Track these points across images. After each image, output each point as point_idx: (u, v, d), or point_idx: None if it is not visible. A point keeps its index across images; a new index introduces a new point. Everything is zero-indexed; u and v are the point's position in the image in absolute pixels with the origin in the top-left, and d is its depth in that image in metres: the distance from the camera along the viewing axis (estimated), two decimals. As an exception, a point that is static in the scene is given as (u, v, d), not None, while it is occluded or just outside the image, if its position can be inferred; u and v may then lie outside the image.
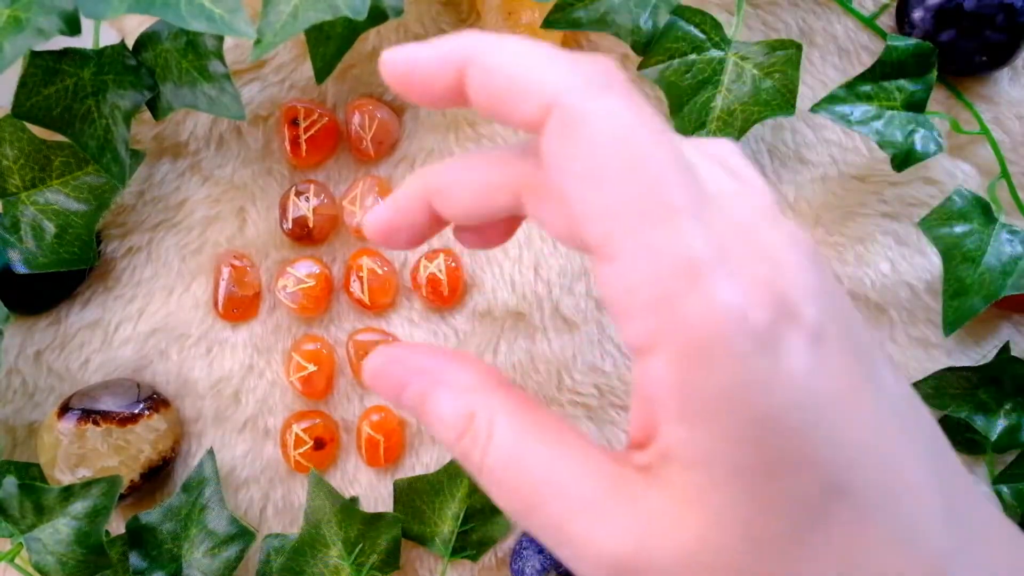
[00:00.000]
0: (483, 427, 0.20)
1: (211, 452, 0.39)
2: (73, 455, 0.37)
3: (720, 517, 0.17)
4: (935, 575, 0.18)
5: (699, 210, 0.18)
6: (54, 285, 0.40)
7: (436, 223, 0.24)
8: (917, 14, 0.40)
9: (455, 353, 0.23)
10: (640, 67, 0.38)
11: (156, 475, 0.39)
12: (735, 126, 0.38)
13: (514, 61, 0.19)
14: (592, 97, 0.18)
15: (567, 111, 0.18)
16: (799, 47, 0.37)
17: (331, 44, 0.37)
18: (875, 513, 0.18)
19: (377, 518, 0.39)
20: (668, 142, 0.18)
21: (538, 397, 0.22)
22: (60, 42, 0.33)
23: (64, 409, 0.38)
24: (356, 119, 0.41)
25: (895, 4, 0.42)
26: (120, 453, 0.38)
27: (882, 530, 0.18)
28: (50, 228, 0.38)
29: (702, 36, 0.38)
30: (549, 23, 0.37)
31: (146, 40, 0.37)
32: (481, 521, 0.40)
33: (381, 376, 0.23)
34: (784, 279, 0.18)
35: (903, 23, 0.41)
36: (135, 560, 0.38)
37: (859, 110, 0.38)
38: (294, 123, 0.40)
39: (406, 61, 0.21)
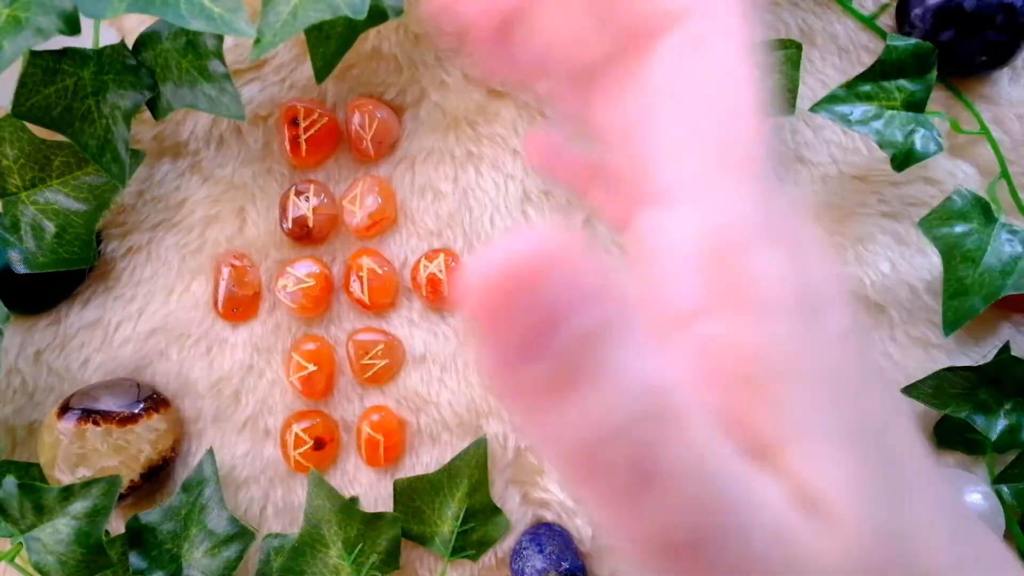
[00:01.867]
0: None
1: (211, 452, 0.39)
2: (73, 455, 0.37)
3: (836, 481, 0.16)
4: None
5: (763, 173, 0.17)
6: (54, 285, 0.40)
7: None
8: (917, 14, 0.40)
9: None
10: (640, 67, 0.38)
11: (156, 475, 0.39)
12: (735, 126, 0.38)
13: None
14: (728, 27, 0.17)
15: (699, 30, 0.17)
16: (799, 47, 0.37)
17: (331, 44, 0.37)
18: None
19: (377, 518, 0.39)
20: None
21: None
22: (60, 42, 0.33)
23: (64, 409, 0.38)
24: (356, 119, 0.41)
25: (895, 4, 0.42)
26: (120, 453, 0.38)
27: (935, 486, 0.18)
28: (50, 228, 0.38)
29: (702, 36, 0.38)
30: (549, 23, 0.37)
31: (146, 40, 0.37)
32: (481, 521, 0.40)
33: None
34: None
35: (903, 23, 0.41)
36: (135, 560, 0.38)
37: (859, 110, 0.38)
38: (294, 123, 0.40)
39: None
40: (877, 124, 0.38)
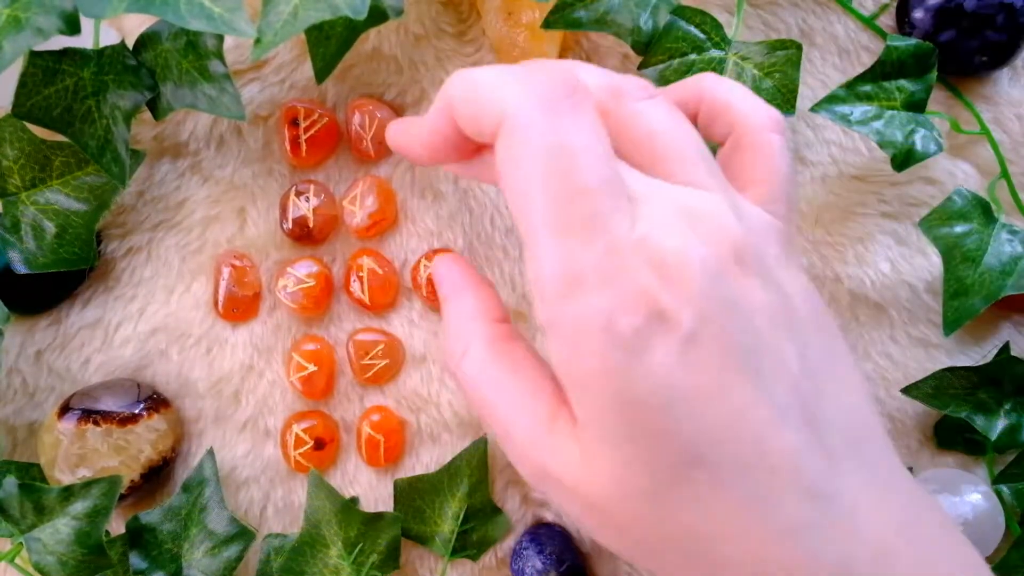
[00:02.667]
0: (460, 349, 0.26)
1: (211, 452, 0.39)
2: (73, 455, 0.37)
3: (601, 471, 0.22)
4: (783, 540, 0.21)
5: (603, 226, 0.21)
6: (54, 285, 0.40)
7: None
8: (917, 14, 0.40)
9: (480, 281, 0.29)
10: (640, 67, 0.38)
11: (156, 475, 0.39)
12: (735, 126, 0.38)
13: (475, 86, 0.23)
14: (536, 112, 0.22)
15: (510, 124, 0.22)
16: (799, 47, 0.37)
17: (331, 44, 0.37)
18: (729, 482, 0.21)
19: (377, 518, 0.39)
20: (595, 157, 0.21)
21: (521, 334, 0.27)
22: (60, 42, 0.33)
23: (64, 409, 0.38)
24: (356, 119, 0.41)
25: (895, 4, 0.42)
26: (120, 453, 0.38)
27: (734, 496, 0.21)
28: (50, 228, 0.38)
29: (702, 36, 0.38)
30: (549, 23, 0.37)
31: (146, 40, 0.37)
32: (481, 521, 0.40)
33: (439, 282, 0.30)
34: (667, 289, 0.21)
35: (903, 23, 0.41)
36: (135, 560, 0.38)
37: (859, 110, 0.38)
38: (294, 123, 0.40)
39: (408, 141, 0.29)
40: (877, 124, 0.38)
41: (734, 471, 0.21)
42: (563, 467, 0.23)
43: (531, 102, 0.22)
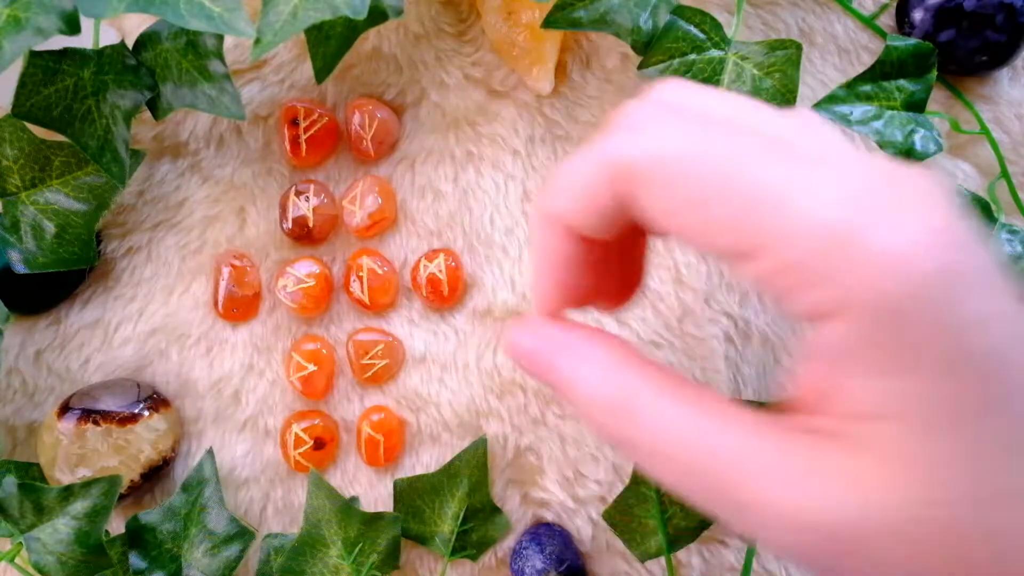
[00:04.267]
0: (626, 401, 0.20)
1: (211, 452, 0.39)
2: (73, 455, 0.37)
3: (939, 470, 0.17)
4: None
5: (810, 175, 0.18)
6: (54, 285, 0.40)
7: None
8: (917, 14, 0.40)
9: (590, 329, 0.23)
10: (640, 67, 0.38)
11: (156, 475, 0.39)
12: (735, 126, 0.38)
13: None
14: (650, 147, 0.19)
15: (652, 175, 0.19)
16: (799, 47, 0.37)
17: (331, 44, 0.37)
18: None
19: (377, 518, 0.39)
20: (731, 138, 0.19)
21: (677, 371, 0.23)
22: (60, 42, 0.33)
23: (64, 409, 0.38)
24: (356, 119, 0.41)
25: (895, 4, 0.42)
26: (120, 453, 0.38)
27: None
28: (50, 228, 0.38)
29: (702, 36, 0.38)
30: (549, 23, 0.37)
31: (146, 40, 0.37)
32: (481, 521, 0.40)
33: (522, 354, 0.23)
34: (941, 219, 0.17)
35: (903, 23, 0.41)
36: (135, 560, 0.38)
37: (859, 110, 0.38)
38: (294, 123, 0.40)
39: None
40: (877, 124, 0.38)
41: None
42: (878, 501, 0.17)
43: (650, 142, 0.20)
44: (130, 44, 0.37)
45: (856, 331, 0.17)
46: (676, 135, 0.19)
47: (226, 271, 0.40)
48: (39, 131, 0.36)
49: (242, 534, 0.39)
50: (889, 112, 0.38)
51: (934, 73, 0.38)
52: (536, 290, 0.23)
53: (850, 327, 0.17)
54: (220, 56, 0.36)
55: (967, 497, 0.17)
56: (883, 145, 0.38)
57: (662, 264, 0.41)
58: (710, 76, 0.38)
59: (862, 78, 0.38)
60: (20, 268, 0.37)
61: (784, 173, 0.18)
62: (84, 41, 0.34)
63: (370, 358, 0.40)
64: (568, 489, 0.41)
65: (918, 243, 0.17)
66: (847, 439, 0.18)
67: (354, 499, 0.41)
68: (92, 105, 0.36)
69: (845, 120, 0.38)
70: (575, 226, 0.21)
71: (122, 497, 0.38)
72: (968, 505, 0.17)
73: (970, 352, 0.16)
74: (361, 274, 0.40)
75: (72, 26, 0.32)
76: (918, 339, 0.17)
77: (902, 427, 0.17)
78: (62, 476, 0.37)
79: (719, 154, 0.19)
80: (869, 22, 0.42)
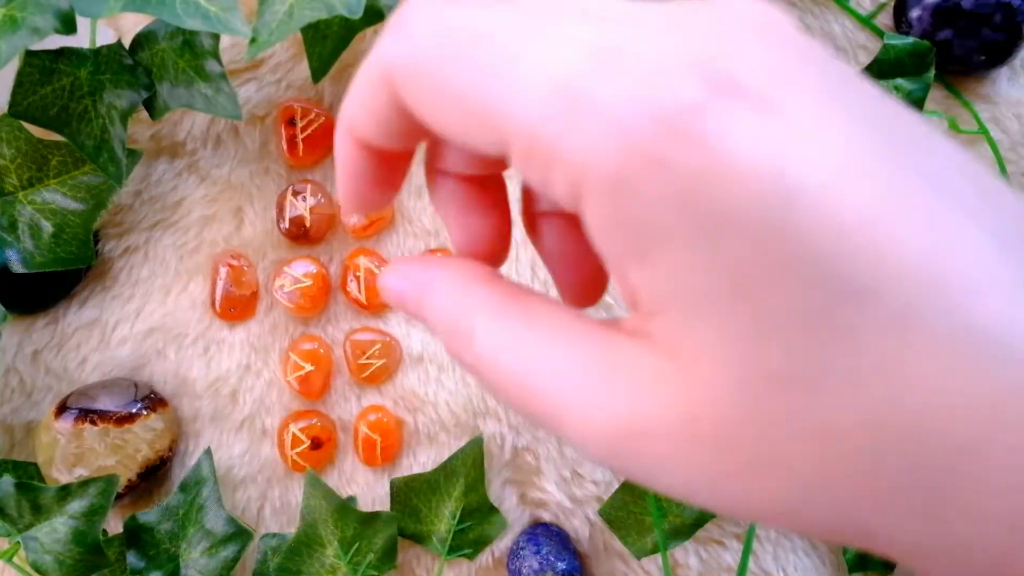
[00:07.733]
0: (463, 336, 0.19)
1: (208, 452, 0.39)
2: (70, 454, 0.37)
3: (713, 362, 0.14)
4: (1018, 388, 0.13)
5: (554, 32, 0.15)
6: (52, 284, 0.40)
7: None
8: (915, 13, 0.40)
9: (445, 258, 0.21)
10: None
11: (153, 474, 0.39)
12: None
13: None
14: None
15: (406, 71, 0.17)
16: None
17: (327, 43, 0.37)
18: (917, 315, 0.13)
19: (373, 517, 0.39)
20: (481, 10, 0.16)
21: (526, 287, 0.20)
22: (56, 41, 0.33)
23: (62, 408, 0.38)
24: (353, 118, 0.41)
25: (893, 3, 0.42)
26: (117, 452, 0.38)
27: (930, 336, 0.13)
28: (47, 227, 0.38)
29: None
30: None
31: (143, 39, 0.37)
32: (478, 520, 0.40)
33: (392, 294, 0.22)
34: (675, 73, 0.14)
35: (901, 22, 0.41)
36: (132, 559, 0.38)
37: (856, 109, 0.38)
38: (291, 123, 0.40)
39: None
40: (874, 123, 0.38)
41: (917, 297, 0.13)
42: (653, 402, 0.15)
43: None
44: (127, 44, 0.37)
45: (598, 215, 0.15)
46: (432, 23, 0.17)
47: (223, 271, 0.40)
48: (36, 130, 0.36)
49: (240, 534, 0.39)
50: (887, 111, 0.38)
51: (932, 72, 0.38)
52: (340, 199, 0.22)
53: (591, 212, 0.15)
54: (216, 56, 0.36)
55: (730, 389, 0.14)
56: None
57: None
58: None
59: (859, 77, 0.38)
60: (18, 268, 0.37)
61: (524, 36, 0.15)
62: (80, 41, 0.34)
63: (367, 358, 0.40)
64: (565, 489, 0.41)
65: (633, 97, 0.14)
66: (645, 338, 0.16)
67: (351, 498, 0.41)
68: (89, 105, 0.36)
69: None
70: (363, 137, 0.20)
71: (120, 497, 0.38)
72: (733, 397, 0.14)
73: (727, 216, 0.13)
74: (358, 274, 0.40)
75: (68, 26, 0.32)
76: (653, 212, 0.14)
77: (669, 318, 0.15)
78: (59, 475, 0.37)
79: (464, 29, 0.16)
80: (867, 21, 0.42)
